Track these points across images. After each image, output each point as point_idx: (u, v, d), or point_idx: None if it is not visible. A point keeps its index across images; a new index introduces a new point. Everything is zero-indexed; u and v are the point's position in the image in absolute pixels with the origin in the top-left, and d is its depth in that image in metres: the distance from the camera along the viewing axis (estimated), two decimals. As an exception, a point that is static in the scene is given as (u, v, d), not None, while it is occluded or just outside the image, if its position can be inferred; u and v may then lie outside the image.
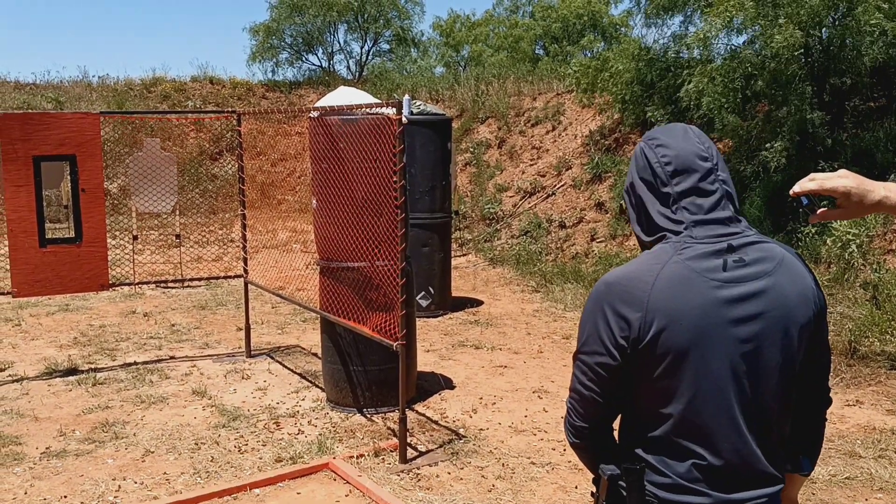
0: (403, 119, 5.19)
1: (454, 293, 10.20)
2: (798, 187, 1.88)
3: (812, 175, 1.89)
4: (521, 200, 14.54)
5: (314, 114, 6.16)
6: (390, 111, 5.34)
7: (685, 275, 1.79)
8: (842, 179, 1.86)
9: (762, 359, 1.82)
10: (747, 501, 1.83)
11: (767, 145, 9.68)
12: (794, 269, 1.87)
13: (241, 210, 7.91)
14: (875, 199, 1.85)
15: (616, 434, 2.00)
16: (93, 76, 21.99)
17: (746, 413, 1.82)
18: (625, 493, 1.86)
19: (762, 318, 1.81)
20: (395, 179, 5.28)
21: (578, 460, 2.22)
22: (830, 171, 2.00)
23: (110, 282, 7.50)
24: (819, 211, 1.90)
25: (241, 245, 8.02)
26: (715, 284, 1.79)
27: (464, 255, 13.56)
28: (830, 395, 2.06)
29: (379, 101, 5.88)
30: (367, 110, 5.72)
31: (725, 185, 1.88)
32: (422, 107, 9.78)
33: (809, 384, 1.98)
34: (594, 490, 1.95)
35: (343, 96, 6.41)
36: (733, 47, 10.27)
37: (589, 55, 25.05)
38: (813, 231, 8.67)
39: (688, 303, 1.77)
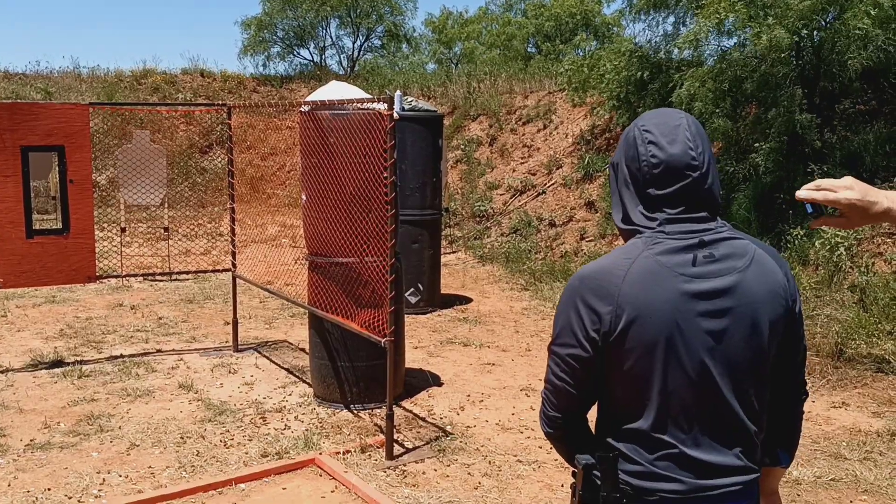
0: (395, 115, 5.17)
1: (443, 290, 10.20)
2: (804, 193, 1.88)
3: (818, 182, 1.88)
4: (511, 198, 14.54)
5: (305, 108, 6.14)
6: (381, 106, 5.32)
7: (655, 269, 1.82)
8: (846, 192, 1.85)
9: (731, 354, 1.84)
10: (721, 488, 1.86)
11: (756, 145, 9.70)
12: (765, 265, 1.88)
13: (231, 204, 7.87)
14: (879, 210, 1.85)
15: (592, 425, 2.03)
16: (83, 67, 21.83)
17: (717, 405, 1.85)
18: (599, 483, 1.88)
19: (730, 314, 1.83)
20: (385, 175, 5.26)
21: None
22: (821, 174, 2.01)
23: (97, 274, 7.46)
24: (821, 219, 1.91)
25: (230, 239, 7.99)
26: (684, 279, 1.81)
27: (453, 252, 13.55)
28: (807, 388, 2.07)
29: (370, 97, 5.86)
30: (359, 105, 5.70)
31: (710, 189, 1.87)
32: (413, 103, 9.76)
33: (785, 378, 2.00)
34: (573, 482, 1.96)
35: (334, 91, 6.39)
36: (724, 49, 10.31)
37: (581, 54, 25.08)
38: (801, 233, 8.70)
39: (657, 297, 1.80)
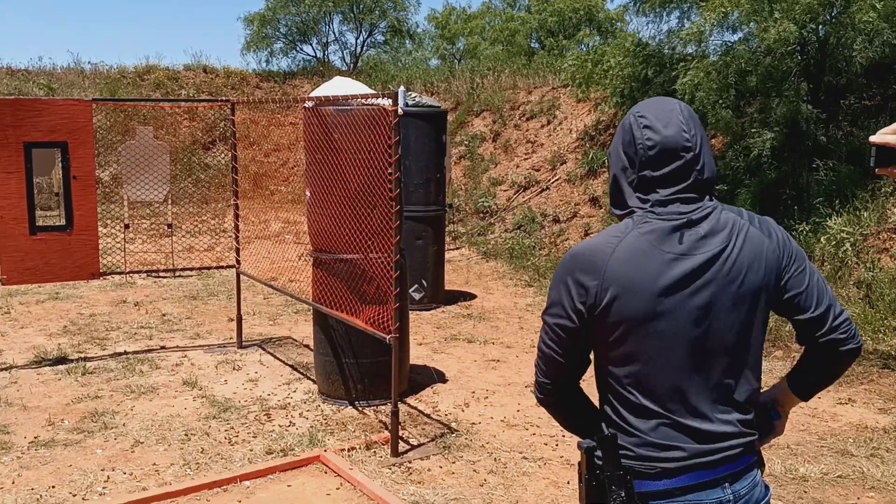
0: (399, 110, 5.15)
1: (447, 287, 10.17)
2: (878, 137, 1.87)
3: (894, 126, 1.86)
4: (515, 194, 14.51)
5: (309, 104, 6.11)
6: (386, 102, 5.29)
7: (642, 247, 1.90)
8: None
9: (718, 324, 1.92)
10: (719, 452, 1.94)
11: (754, 131, 9.65)
12: (750, 234, 1.95)
13: (234, 200, 7.86)
14: None
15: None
16: (85, 63, 21.89)
17: (708, 374, 1.93)
18: (600, 462, 1.95)
19: (715, 286, 1.90)
20: (390, 171, 5.23)
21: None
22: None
23: (101, 271, 7.45)
24: (888, 168, 1.89)
25: (234, 235, 7.97)
26: (671, 257, 1.90)
27: (457, 248, 13.53)
28: (851, 335, 2.03)
29: (375, 92, 5.83)
30: (363, 101, 5.68)
31: (701, 172, 1.95)
32: (417, 99, 9.73)
33: (808, 329, 2.03)
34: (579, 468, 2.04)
35: (338, 87, 6.37)
36: (728, 43, 10.26)
37: (585, 49, 25.02)
38: (807, 229, 8.67)
39: (642, 273, 1.89)
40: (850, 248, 8.16)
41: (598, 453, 1.95)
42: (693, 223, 1.92)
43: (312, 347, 6.67)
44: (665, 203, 1.94)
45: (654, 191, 1.95)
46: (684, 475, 1.93)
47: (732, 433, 1.96)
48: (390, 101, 5.20)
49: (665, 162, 1.93)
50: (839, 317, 2.01)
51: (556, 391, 2.07)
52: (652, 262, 1.89)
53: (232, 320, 8.27)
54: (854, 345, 2.03)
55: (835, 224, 8.41)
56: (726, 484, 1.95)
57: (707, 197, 1.97)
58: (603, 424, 2.00)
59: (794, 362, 2.15)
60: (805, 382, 2.15)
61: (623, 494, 1.92)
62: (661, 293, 1.88)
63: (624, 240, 1.92)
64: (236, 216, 7.90)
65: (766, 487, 2.08)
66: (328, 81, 6.83)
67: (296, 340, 8.12)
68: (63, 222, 7.20)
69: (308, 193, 6.24)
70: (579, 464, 2.00)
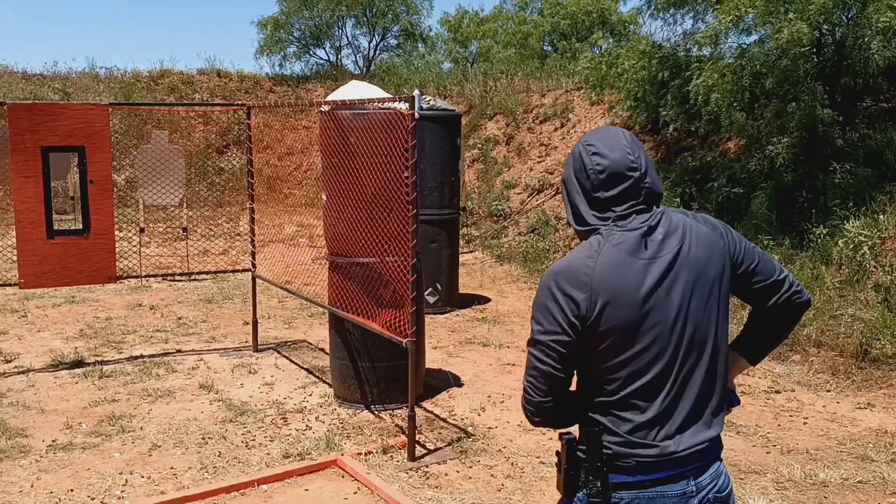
0: (416, 114, 5.14)
1: (461, 290, 10.16)
2: None
3: None
4: (528, 197, 14.49)
5: (325, 108, 6.12)
6: (402, 106, 5.29)
7: (618, 258, 2.10)
8: None
9: (693, 317, 2.12)
10: (690, 448, 2.11)
11: (774, 139, 9.58)
12: (699, 230, 2.18)
13: (250, 204, 7.87)
14: None
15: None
16: (100, 68, 21.87)
17: (687, 374, 2.12)
18: (583, 455, 2.14)
19: (682, 280, 2.11)
20: (406, 175, 5.23)
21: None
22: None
23: (118, 274, 7.47)
24: None
25: (250, 239, 7.98)
26: (643, 262, 2.10)
27: (470, 251, 13.51)
28: (802, 290, 2.32)
29: (391, 96, 5.83)
30: (379, 105, 5.68)
31: (651, 187, 2.18)
32: (431, 102, 9.73)
33: (769, 292, 2.28)
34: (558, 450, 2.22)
35: (354, 90, 6.37)
36: (743, 45, 10.21)
37: (597, 52, 24.97)
38: (824, 232, 8.60)
39: (625, 281, 2.08)
40: (868, 252, 8.09)
41: (582, 447, 2.14)
42: (652, 229, 2.13)
43: (328, 351, 6.67)
44: (624, 217, 2.14)
45: (609, 209, 2.16)
46: (658, 471, 2.11)
47: (705, 430, 2.15)
48: (406, 104, 5.20)
49: (615, 183, 2.15)
50: (791, 276, 2.31)
51: (555, 403, 2.20)
52: (631, 271, 2.08)
53: (247, 324, 8.28)
54: (807, 296, 2.33)
55: (853, 227, 8.33)
56: (691, 477, 2.13)
57: (654, 206, 2.19)
58: (591, 418, 2.16)
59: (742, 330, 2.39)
60: (759, 346, 2.41)
61: (598, 485, 2.11)
62: (645, 297, 2.08)
63: (601, 254, 2.10)
64: (252, 220, 7.91)
65: (728, 477, 2.25)
66: (344, 85, 6.83)
67: (311, 344, 8.13)
68: (80, 226, 7.22)
69: (324, 197, 6.25)
70: (558, 453, 2.19)
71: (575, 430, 2.22)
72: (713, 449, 2.19)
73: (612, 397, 2.12)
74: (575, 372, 2.20)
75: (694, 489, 2.13)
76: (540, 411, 2.19)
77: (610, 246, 2.11)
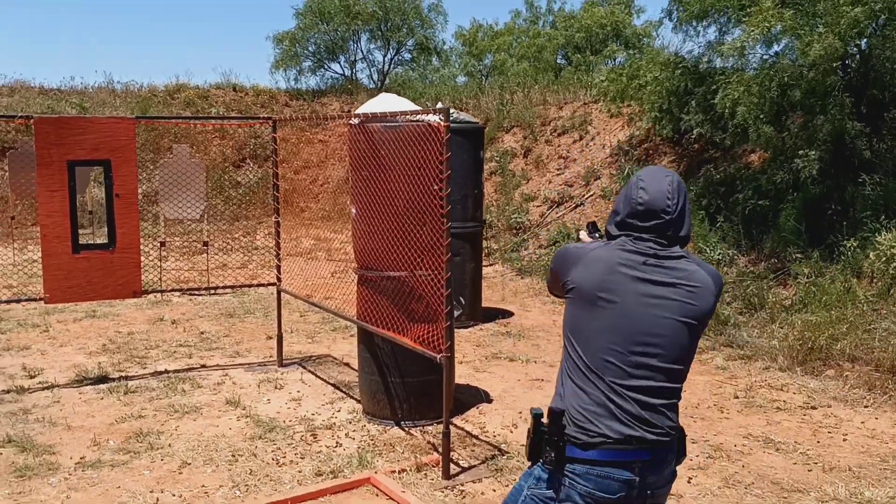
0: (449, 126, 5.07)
1: (484, 304, 10.06)
2: None
3: None
4: (548, 210, 14.40)
5: (355, 120, 6.05)
6: (433, 118, 5.22)
7: (613, 255, 2.53)
8: None
9: (662, 323, 2.47)
10: (654, 435, 2.47)
11: (801, 152, 9.48)
12: (703, 283, 2.51)
13: (276, 217, 7.81)
14: None
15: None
16: (117, 82, 22.02)
17: (649, 366, 2.47)
18: (545, 430, 2.53)
19: (665, 300, 2.48)
20: (439, 188, 5.15)
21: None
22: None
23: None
24: None
25: (275, 252, 7.92)
26: (633, 266, 2.50)
27: (490, 264, 13.41)
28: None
29: (421, 109, 5.76)
30: (410, 117, 5.61)
31: (677, 232, 2.53)
32: (454, 114, 9.66)
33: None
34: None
35: (385, 103, 6.31)
36: (769, 57, 10.12)
37: (609, 65, 24.93)
38: (855, 245, 8.48)
39: (608, 271, 2.50)
40: (900, 265, 7.97)
41: (544, 420, 2.53)
42: (659, 257, 2.50)
43: (353, 366, 6.59)
44: (642, 239, 2.53)
45: (633, 234, 2.57)
46: (605, 450, 2.45)
47: (655, 425, 2.47)
48: (438, 117, 5.13)
49: (648, 218, 2.52)
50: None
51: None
52: (618, 265, 2.50)
53: (270, 338, 8.21)
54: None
55: (884, 240, 8.22)
56: (636, 468, 2.46)
57: (678, 246, 2.55)
58: (557, 398, 2.58)
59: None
60: None
61: (553, 455, 2.51)
62: (609, 272, 2.49)
63: (602, 248, 2.59)
64: (277, 233, 7.85)
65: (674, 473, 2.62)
66: (373, 98, 6.77)
67: (335, 358, 8.04)
68: (100, 240, 7.16)
69: (353, 211, 6.17)
70: (529, 427, 2.59)
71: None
72: (664, 449, 2.53)
73: (572, 374, 2.57)
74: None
75: (637, 481, 2.48)
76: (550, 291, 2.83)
77: (612, 247, 2.57)
